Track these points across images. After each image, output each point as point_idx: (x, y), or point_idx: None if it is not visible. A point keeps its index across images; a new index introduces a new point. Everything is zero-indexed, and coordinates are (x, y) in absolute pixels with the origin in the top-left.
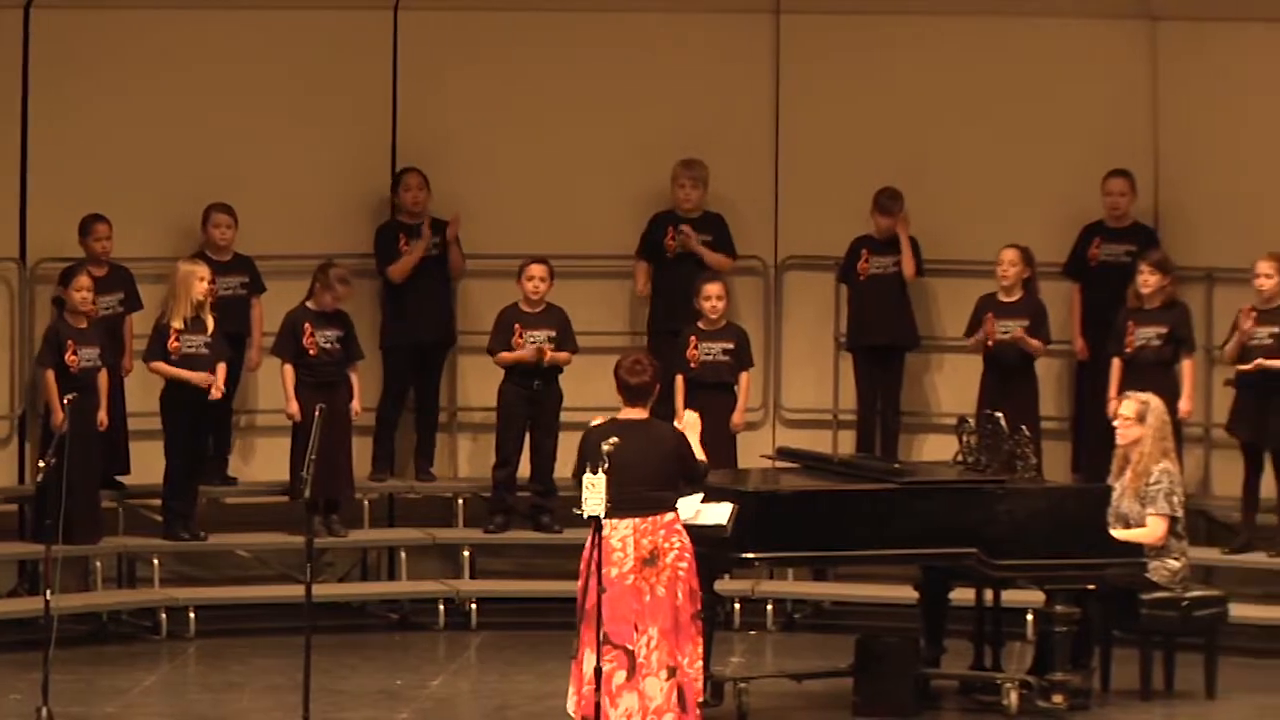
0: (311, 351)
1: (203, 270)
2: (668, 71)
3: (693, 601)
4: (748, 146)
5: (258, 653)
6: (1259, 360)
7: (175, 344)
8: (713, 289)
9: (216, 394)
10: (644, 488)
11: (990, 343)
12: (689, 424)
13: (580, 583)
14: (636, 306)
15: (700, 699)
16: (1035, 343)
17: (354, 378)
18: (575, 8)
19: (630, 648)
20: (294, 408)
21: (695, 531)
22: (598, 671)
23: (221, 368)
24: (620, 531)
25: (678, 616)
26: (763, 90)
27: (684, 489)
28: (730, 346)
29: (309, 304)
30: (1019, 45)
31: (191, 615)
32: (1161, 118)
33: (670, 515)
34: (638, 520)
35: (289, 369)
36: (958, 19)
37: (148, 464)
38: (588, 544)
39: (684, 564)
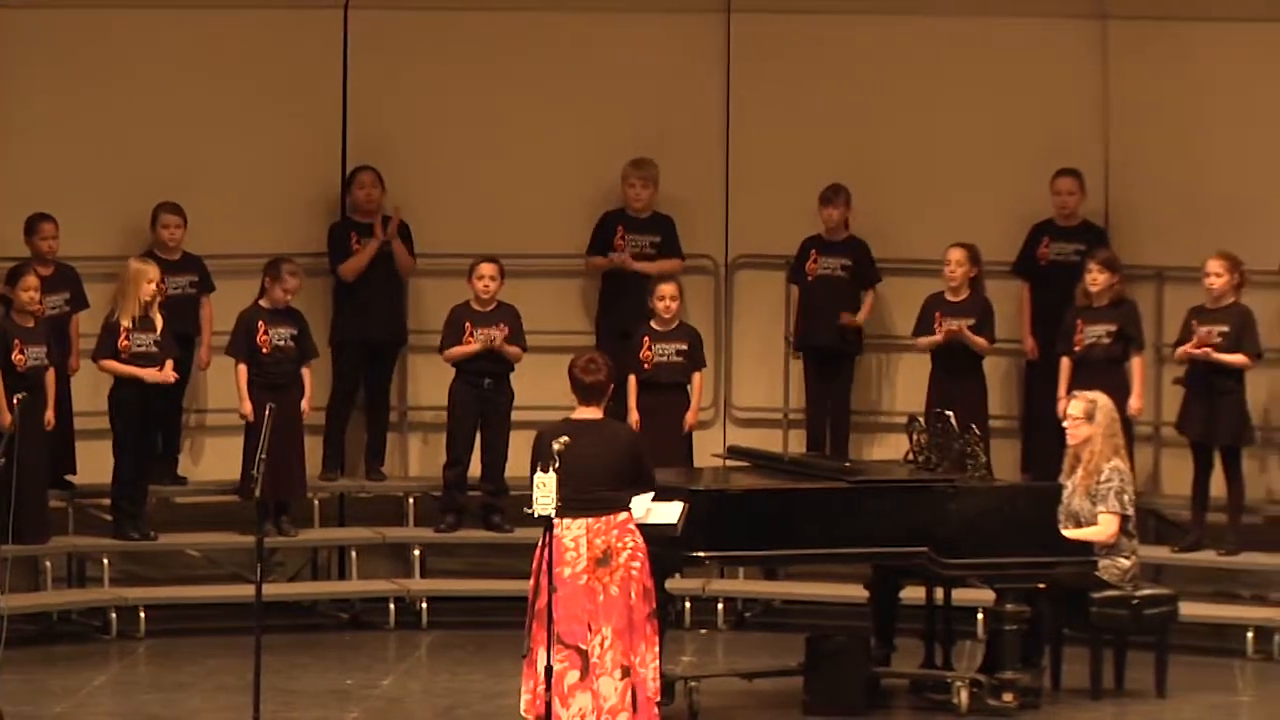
0: (265, 350)
1: (151, 270)
2: (619, 71)
3: (647, 601)
4: (698, 146)
5: (208, 652)
6: (1207, 349)
7: (125, 343)
8: (666, 289)
9: (171, 376)
10: (597, 487)
11: (943, 338)
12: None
13: (532, 582)
14: (588, 306)
15: (656, 699)
16: (979, 340)
17: (307, 375)
18: (526, 7)
19: (583, 647)
20: (247, 407)
21: (646, 530)
22: (548, 671)
23: (169, 363)
24: (573, 531)
25: (631, 616)
26: (713, 89)
27: (636, 490)
28: (684, 347)
29: (262, 302)
30: (969, 44)
31: (142, 615)
32: (1112, 117)
33: (624, 515)
34: (591, 520)
35: (242, 368)
36: (908, 18)
37: (97, 463)
38: (539, 543)
39: (637, 564)
